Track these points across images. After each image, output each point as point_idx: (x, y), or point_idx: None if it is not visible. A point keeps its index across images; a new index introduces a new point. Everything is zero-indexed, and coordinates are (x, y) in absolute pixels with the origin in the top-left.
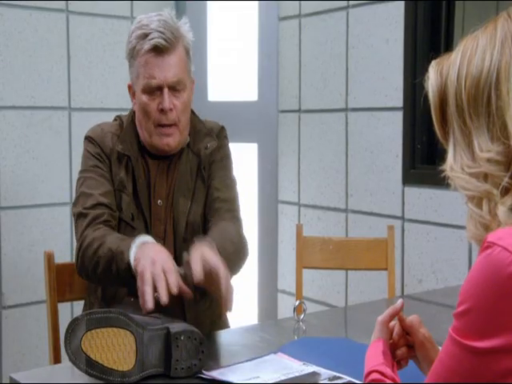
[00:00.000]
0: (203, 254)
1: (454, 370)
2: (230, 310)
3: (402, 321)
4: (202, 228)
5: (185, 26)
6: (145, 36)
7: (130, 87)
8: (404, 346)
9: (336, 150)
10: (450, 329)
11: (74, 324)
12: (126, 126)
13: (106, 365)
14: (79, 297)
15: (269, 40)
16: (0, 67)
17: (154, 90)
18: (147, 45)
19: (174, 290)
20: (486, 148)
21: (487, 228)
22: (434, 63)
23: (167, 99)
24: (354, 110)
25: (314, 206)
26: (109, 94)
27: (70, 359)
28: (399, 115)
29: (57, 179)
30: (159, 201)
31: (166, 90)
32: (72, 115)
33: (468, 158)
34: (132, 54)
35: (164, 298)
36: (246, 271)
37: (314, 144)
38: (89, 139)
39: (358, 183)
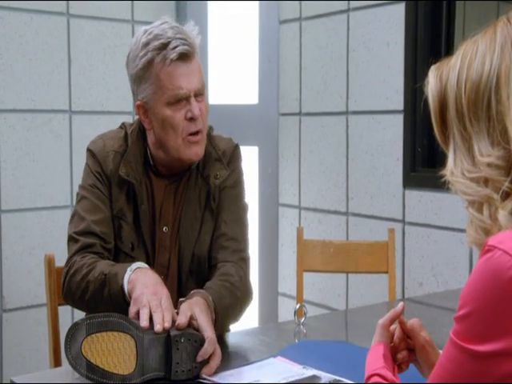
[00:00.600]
0: (194, 314)
1: (455, 374)
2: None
3: (402, 324)
4: (208, 261)
5: (194, 31)
6: (165, 46)
7: (139, 107)
8: (405, 349)
9: (336, 153)
10: (450, 332)
11: (74, 329)
12: (132, 144)
13: (106, 369)
14: None
15: (269, 43)
16: (1, 70)
17: (178, 101)
18: (173, 54)
19: (167, 326)
20: (487, 152)
21: (488, 232)
22: (433, 68)
23: (197, 106)
24: (355, 113)
25: (315, 209)
26: (109, 98)
27: (71, 364)
28: (400, 118)
29: (57, 182)
30: (165, 227)
31: (193, 98)
32: (73, 118)
33: (468, 163)
34: (147, 69)
35: (159, 326)
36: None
37: (314, 147)
38: (91, 153)
39: (358, 186)
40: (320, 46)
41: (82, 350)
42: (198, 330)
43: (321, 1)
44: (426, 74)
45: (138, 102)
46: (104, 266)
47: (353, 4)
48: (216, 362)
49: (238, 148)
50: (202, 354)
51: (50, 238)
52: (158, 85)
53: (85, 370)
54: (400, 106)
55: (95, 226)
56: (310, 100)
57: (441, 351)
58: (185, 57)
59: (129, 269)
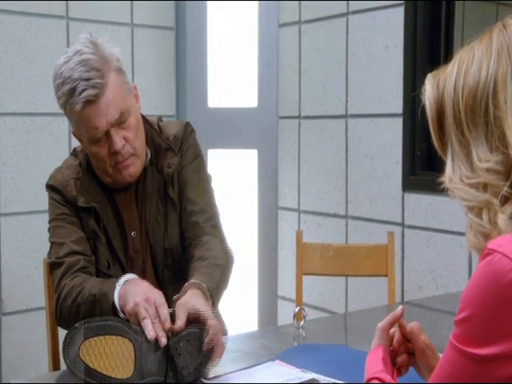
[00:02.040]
0: (192, 308)
1: (455, 377)
2: (217, 356)
3: (402, 327)
4: (181, 247)
5: (107, 46)
6: (72, 91)
7: (74, 135)
8: (404, 352)
9: (336, 157)
10: (450, 336)
11: (71, 333)
12: (84, 172)
13: (104, 373)
14: None
15: (269, 46)
16: (0, 73)
17: (100, 138)
18: (79, 103)
19: (167, 327)
20: (485, 158)
21: (487, 237)
22: (430, 76)
23: (117, 141)
24: (354, 116)
25: (314, 213)
26: None
27: (69, 368)
28: (399, 121)
29: None
30: (133, 232)
31: (112, 132)
32: None
33: (467, 169)
34: (64, 108)
35: (164, 340)
36: (246, 277)
37: (313, 150)
38: (51, 188)
39: (357, 189)
40: (319, 50)
41: (80, 354)
42: (199, 320)
43: (320, 3)
44: (425, 78)
45: (72, 131)
46: (92, 285)
47: (352, 7)
48: (220, 352)
49: (188, 125)
50: (208, 343)
51: (48, 242)
52: (76, 125)
53: (83, 373)
54: (399, 109)
55: (75, 245)
56: (309, 103)
57: (440, 354)
58: (91, 101)
59: (117, 284)
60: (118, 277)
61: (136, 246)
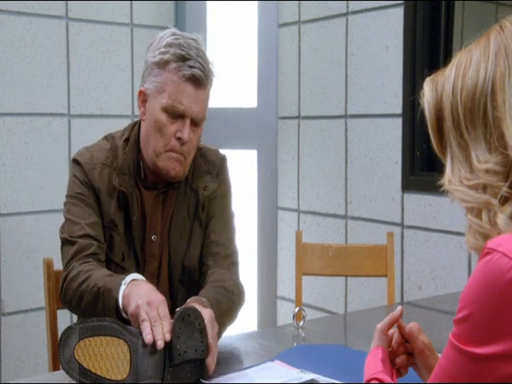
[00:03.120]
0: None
1: (455, 376)
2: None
3: (401, 328)
4: (199, 270)
5: (212, 64)
6: (184, 59)
7: (141, 93)
8: (403, 353)
9: (335, 157)
10: (450, 335)
11: (67, 333)
12: (127, 153)
13: (99, 374)
14: None
15: (268, 46)
16: None
17: (175, 114)
18: (187, 71)
19: (167, 338)
20: (484, 159)
21: (487, 237)
22: (428, 80)
23: (188, 131)
24: (354, 116)
25: (314, 213)
26: (108, 101)
27: (64, 368)
28: (398, 122)
29: (56, 186)
30: (153, 236)
31: (188, 122)
32: (71, 122)
33: (466, 171)
34: (161, 65)
35: (160, 343)
36: (246, 277)
37: (313, 150)
38: (77, 163)
39: (357, 190)
40: (319, 50)
41: (75, 354)
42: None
43: (320, 3)
44: (424, 78)
45: (142, 89)
46: (99, 277)
47: (352, 7)
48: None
49: (226, 160)
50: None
51: (48, 242)
52: (163, 87)
53: (77, 374)
54: (399, 109)
55: (89, 228)
56: (308, 103)
57: (440, 355)
58: (196, 80)
59: (123, 282)
60: (130, 271)
61: (153, 250)
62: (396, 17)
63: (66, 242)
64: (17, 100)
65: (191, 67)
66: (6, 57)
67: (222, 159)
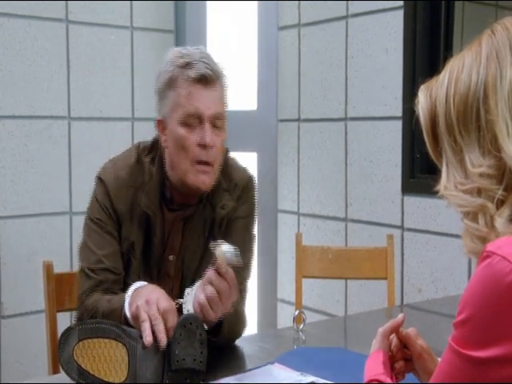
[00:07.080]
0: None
1: (455, 380)
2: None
3: (398, 332)
4: None
5: (222, 65)
6: (188, 65)
7: (159, 122)
8: (401, 359)
9: (335, 159)
10: (449, 338)
11: (67, 333)
12: (155, 174)
13: (97, 375)
14: None
15: (268, 49)
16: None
17: (193, 123)
18: (193, 73)
19: (171, 332)
20: (478, 163)
21: (484, 240)
22: (423, 87)
23: (209, 133)
24: (354, 119)
25: (314, 215)
26: (108, 104)
27: (63, 368)
28: (398, 124)
29: (56, 188)
30: (171, 256)
31: (207, 125)
32: (71, 125)
33: (461, 176)
34: (169, 85)
35: (163, 341)
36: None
37: (313, 153)
38: (102, 184)
39: (357, 192)
40: (319, 52)
41: (74, 355)
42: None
43: (320, 6)
44: (424, 81)
45: (159, 118)
46: (103, 305)
47: (352, 10)
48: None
49: (252, 180)
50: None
51: (48, 245)
52: (175, 101)
53: (76, 374)
54: (399, 112)
55: (106, 260)
56: (308, 106)
57: (439, 358)
58: (205, 80)
59: (127, 296)
60: None
61: (170, 270)
62: (396, 19)
63: (82, 273)
64: (17, 103)
65: (196, 68)
66: (6, 59)
67: (248, 180)
